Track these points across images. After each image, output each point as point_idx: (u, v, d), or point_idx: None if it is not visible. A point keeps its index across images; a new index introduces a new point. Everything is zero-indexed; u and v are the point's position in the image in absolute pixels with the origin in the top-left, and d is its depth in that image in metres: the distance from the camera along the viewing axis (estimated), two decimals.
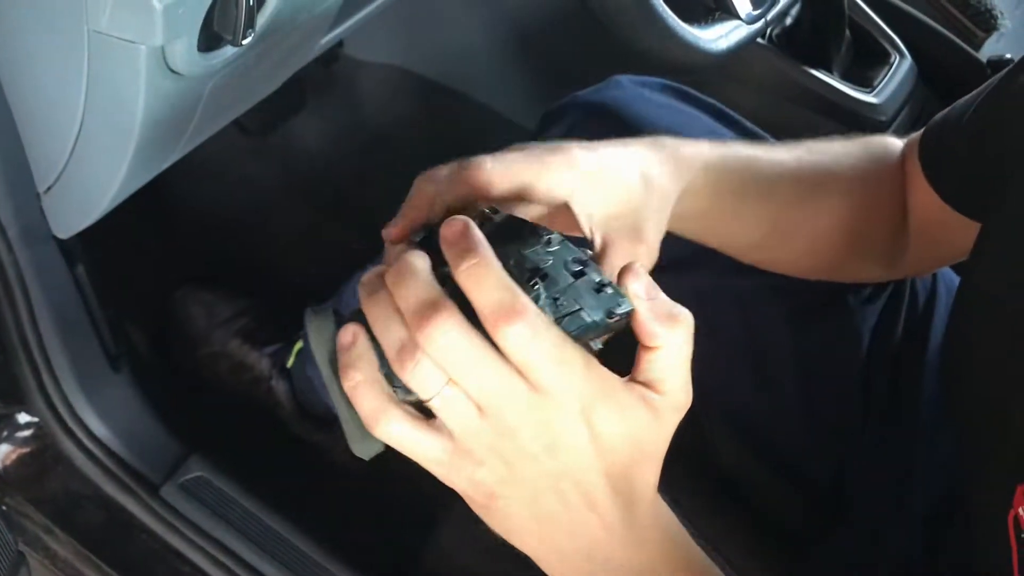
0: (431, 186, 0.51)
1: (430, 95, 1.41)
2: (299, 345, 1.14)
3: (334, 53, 1.43)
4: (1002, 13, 1.35)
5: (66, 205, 0.82)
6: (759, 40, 1.15)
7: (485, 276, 0.40)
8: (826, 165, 0.69)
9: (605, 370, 0.42)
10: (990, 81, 0.65)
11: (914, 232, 0.73)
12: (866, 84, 1.20)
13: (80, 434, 0.98)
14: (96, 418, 0.99)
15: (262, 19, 0.66)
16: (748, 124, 0.83)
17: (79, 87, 0.65)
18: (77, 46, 0.61)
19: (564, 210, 0.54)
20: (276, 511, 1.04)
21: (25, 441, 0.99)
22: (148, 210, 1.06)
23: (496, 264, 0.41)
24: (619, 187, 0.56)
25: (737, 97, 1.12)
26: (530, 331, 0.39)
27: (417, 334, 0.40)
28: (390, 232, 0.51)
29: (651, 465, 0.45)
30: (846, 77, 1.19)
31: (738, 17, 0.71)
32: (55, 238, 0.88)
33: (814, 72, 1.16)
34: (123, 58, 0.60)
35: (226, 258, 1.30)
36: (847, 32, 1.19)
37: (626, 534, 0.45)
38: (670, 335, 0.43)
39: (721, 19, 0.71)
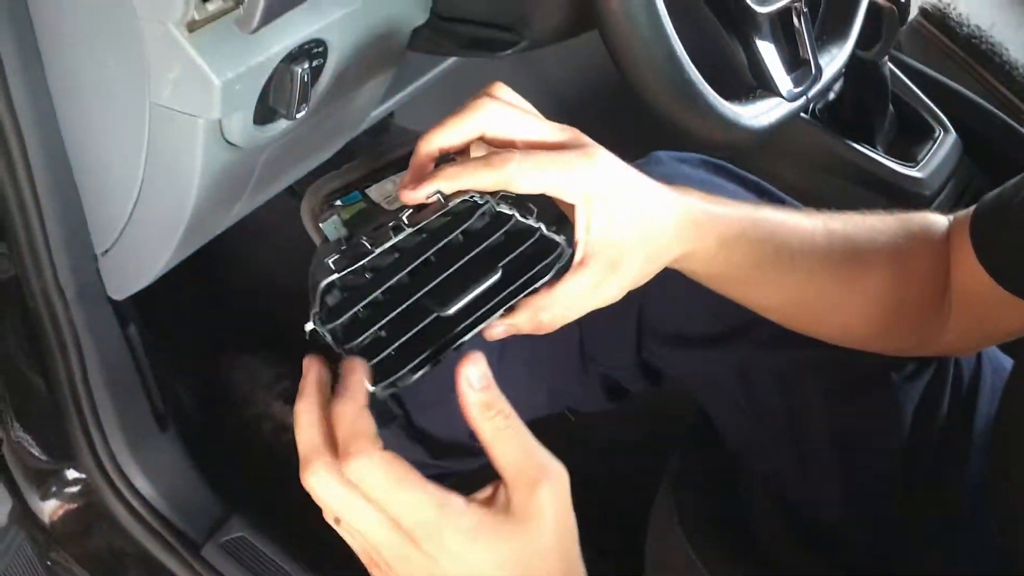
0: (444, 148, 0.55)
1: None
2: None
3: (384, 123, 1.47)
4: None
5: (122, 268, 0.85)
6: (801, 115, 1.16)
7: (336, 417, 0.46)
8: (860, 239, 0.69)
9: (442, 496, 0.46)
10: None
11: (958, 310, 0.72)
12: (910, 159, 1.20)
13: (125, 492, 1.00)
14: (142, 476, 1.01)
15: (316, 94, 0.69)
16: (789, 200, 0.84)
17: (139, 155, 0.68)
18: (139, 117, 0.64)
19: (568, 208, 0.56)
20: (315, 574, 1.04)
21: (72, 497, 1.01)
22: (199, 271, 1.08)
23: (343, 410, 0.46)
24: (625, 217, 0.57)
25: (778, 170, 1.13)
26: (364, 467, 0.45)
27: (304, 474, 0.46)
28: (406, 192, 0.53)
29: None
30: (890, 152, 1.19)
31: (779, 95, 0.72)
32: (109, 299, 0.91)
33: (857, 146, 1.16)
34: (182, 130, 0.63)
35: (272, 319, 1.32)
36: (890, 107, 1.19)
37: None
38: (481, 421, 0.46)
39: (762, 96, 0.72)
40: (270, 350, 1.28)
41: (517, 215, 0.53)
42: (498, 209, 0.53)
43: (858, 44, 1.10)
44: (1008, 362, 0.82)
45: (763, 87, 0.72)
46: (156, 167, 0.68)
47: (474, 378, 0.46)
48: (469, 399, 0.46)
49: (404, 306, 0.50)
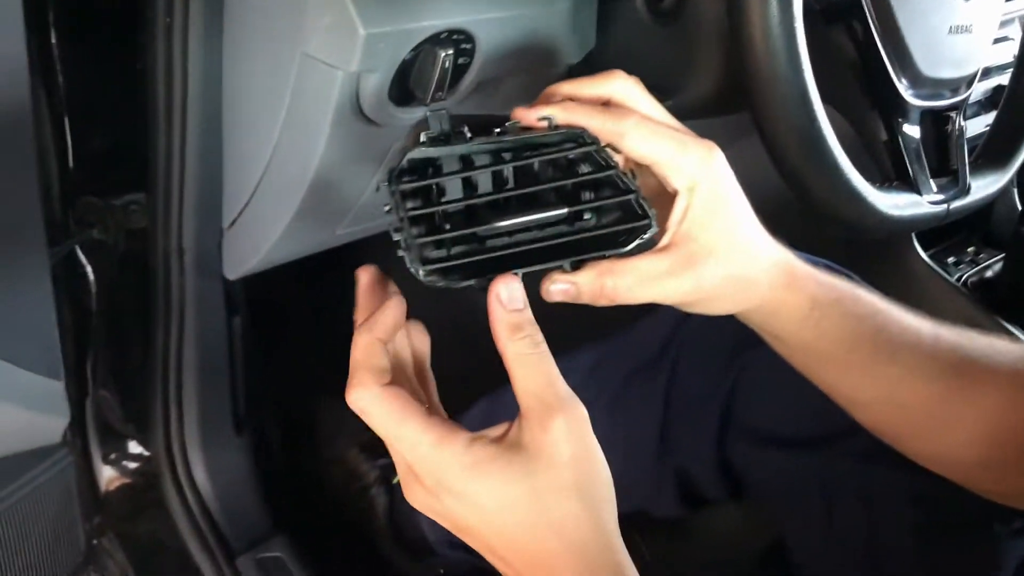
0: (570, 94, 0.55)
1: None
2: None
3: None
4: None
5: (240, 245, 0.88)
6: (951, 280, 1.10)
7: (352, 346, 0.49)
8: (974, 352, 0.62)
9: (442, 432, 0.46)
10: None
11: None
12: None
13: (183, 479, 1.00)
14: (203, 470, 1.01)
15: (457, 92, 0.71)
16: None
17: (279, 112, 0.71)
18: (287, 68, 0.67)
19: (666, 190, 0.53)
20: None
21: (131, 473, 1.01)
22: (322, 302, 1.10)
23: (357, 340, 0.49)
24: (722, 223, 0.54)
25: None
26: (363, 400, 0.47)
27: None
28: (521, 110, 0.53)
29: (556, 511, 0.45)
30: None
31: (916, 192, 0.69)
32: (224, 280, 0.93)
33: (1008, 325, 1.09)
34: (322, 84, 0.66)
35: None
36: None
37: None
38: (508, 343, 0.47)
39: (899, 188, 0.69)
40: None
41: (619, 169, 0.51)
42: (602, 155, 0.52)
43: None
44: None
45: (901, 180, 0.69)
46: (291, 127, 0.71)
47: (506, 298, 0.47)
48: (497, 317, 0.47)
49: (466, 203, 0.51)
